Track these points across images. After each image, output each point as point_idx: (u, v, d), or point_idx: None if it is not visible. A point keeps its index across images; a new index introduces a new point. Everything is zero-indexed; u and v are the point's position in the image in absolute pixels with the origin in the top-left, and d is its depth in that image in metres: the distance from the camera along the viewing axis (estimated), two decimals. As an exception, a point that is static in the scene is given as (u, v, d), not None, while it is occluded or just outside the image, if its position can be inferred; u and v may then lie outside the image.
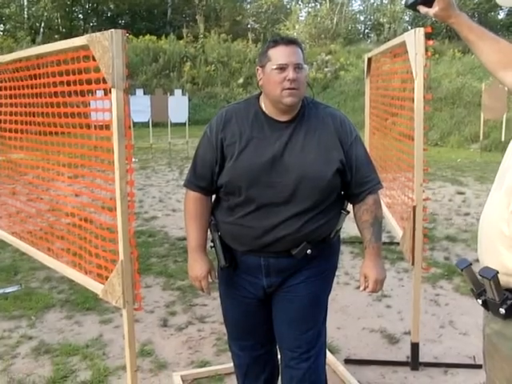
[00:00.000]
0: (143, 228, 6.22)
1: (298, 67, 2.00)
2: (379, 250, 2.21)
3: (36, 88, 2.84)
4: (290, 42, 2.04)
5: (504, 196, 1.49)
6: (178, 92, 12.75)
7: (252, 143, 2.06)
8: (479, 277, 1.52)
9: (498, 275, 1.47)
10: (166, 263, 5.04)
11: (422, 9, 1.79)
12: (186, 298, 4.20)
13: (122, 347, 3.02)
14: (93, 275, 2.52)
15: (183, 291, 4.33)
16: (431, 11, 1.78)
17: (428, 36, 2.81)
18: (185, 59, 20.93)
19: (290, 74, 1.98)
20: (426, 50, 2.83)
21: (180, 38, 22.43)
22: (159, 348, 3.40)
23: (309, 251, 2.11)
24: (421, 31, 2.76)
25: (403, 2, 1.92)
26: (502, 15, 29.33)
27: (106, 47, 2.02)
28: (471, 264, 1.57)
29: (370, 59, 4.97)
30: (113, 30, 2.01)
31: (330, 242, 2.22)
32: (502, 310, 1.48)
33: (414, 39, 2.78)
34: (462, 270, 1.58)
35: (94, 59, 2.12)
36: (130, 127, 2.22)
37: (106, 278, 2.34)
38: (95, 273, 2.50)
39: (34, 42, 20.95)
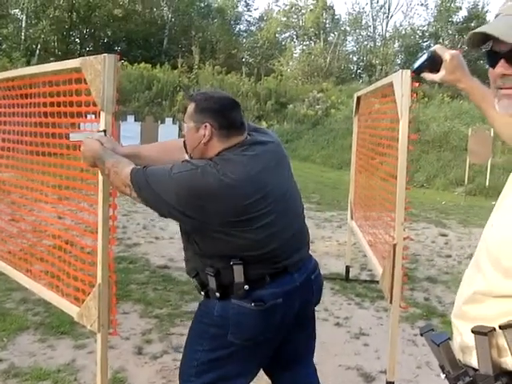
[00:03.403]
0: (125, 254, 6.17)
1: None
2: None
3: (27, 107, 2.85)
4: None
5: None
6: (168, 120, 12.85)
7: None
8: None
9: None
10: (145, 291, 4.99)
11: (428, 76, 1.60)
12: (163, 326, 4.15)
13: (95, 373, 2.96)
14: (70, 298, 2.49)
15: (161, 319, 4.28)
16: (437, 77, 1.58)
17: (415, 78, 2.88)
18: (178, 89, 21.09)
19: None
20: (413, 92, 2.90)
21: (175, 67, 22.65)
22: (132, 376, 3.34)
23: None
24: (407, 73, 2.83)
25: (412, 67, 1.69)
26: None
27: (98, 71, 2.05)
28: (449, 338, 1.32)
29: (359, 98, 5.07)
30: (106, 54, 2.04)
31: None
32: None
33: (401, 80, 2.85)
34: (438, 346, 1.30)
35: (85, 82, 2.15)
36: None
37: (83, 301, 2.32)
38: (72, 296, 2.48)
39: (28, 63, 20.93)
